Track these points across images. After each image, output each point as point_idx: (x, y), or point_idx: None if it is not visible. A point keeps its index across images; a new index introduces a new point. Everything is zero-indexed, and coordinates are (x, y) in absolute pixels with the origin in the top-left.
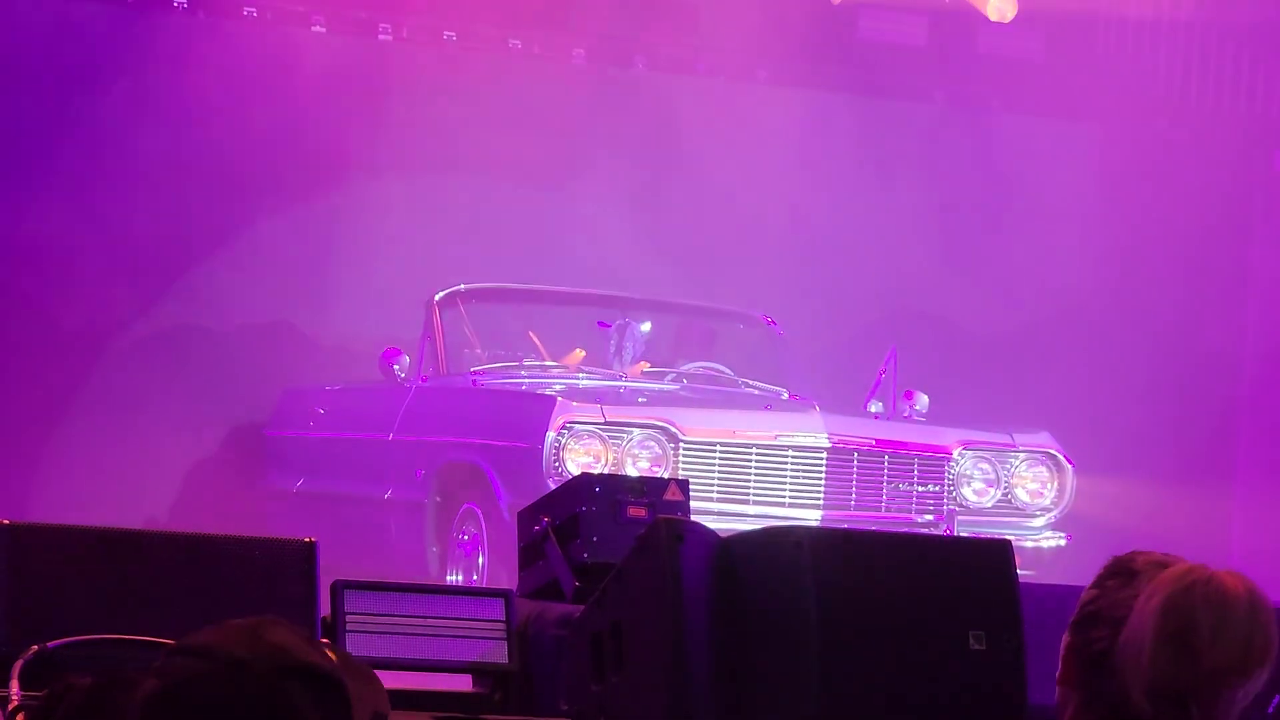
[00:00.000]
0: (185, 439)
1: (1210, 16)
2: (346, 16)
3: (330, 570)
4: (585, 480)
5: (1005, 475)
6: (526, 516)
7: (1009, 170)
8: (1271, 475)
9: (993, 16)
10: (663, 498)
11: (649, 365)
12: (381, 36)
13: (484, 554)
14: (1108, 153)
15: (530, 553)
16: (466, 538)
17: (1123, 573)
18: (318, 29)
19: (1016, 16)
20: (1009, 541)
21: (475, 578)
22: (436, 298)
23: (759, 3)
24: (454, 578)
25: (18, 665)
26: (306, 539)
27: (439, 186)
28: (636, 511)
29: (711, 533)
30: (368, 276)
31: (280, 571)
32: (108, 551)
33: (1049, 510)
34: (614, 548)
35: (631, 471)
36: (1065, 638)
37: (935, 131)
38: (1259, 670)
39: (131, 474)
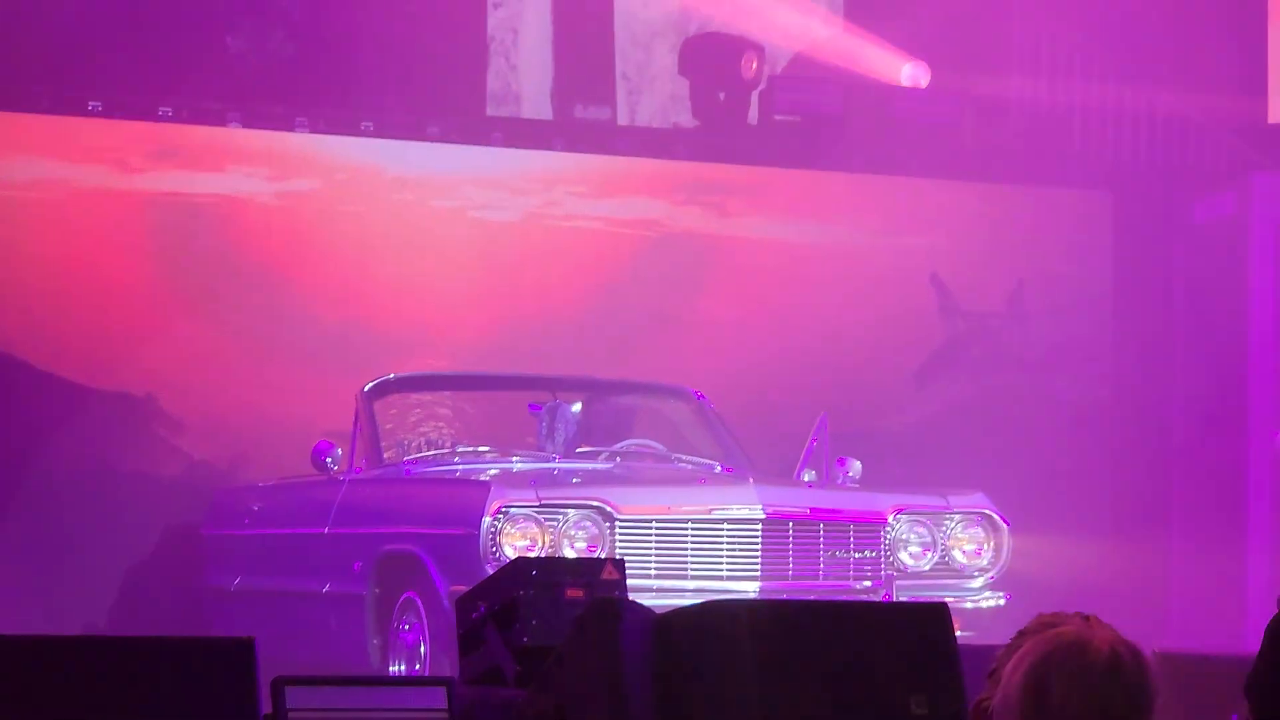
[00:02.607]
0: (120, 541)
1: (1122, 74)
2: (261, 112)
3: (273, 667)
4: (521, 564)
5: (941, 538)
6: (464, 603)
7: (930, 234)
8: (1206, 527)
9: (905, 83)
10: (599, 578)
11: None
12: (298, 130)
13: (426, 643)
14: (1028, 212)
15: (470, 639)
16: (408, 628)
17: (1021, 633)
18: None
19: (930, 82)
20: (945, 604)
21: (418, 667)
22: (366, 388)
23: (673, 76)
24: (397, 669)
25: None
26: (244, 637)
27: (365, 276)
28: (574, 593)
29: (649, 610)
30: (301, 371)
31: (219, 671)
32: (42, 661)
33: (986, 571)
34: (553, 630)
35: (569, 552)
36: None
37: (857, 196)
38: None
39: (65, 580)
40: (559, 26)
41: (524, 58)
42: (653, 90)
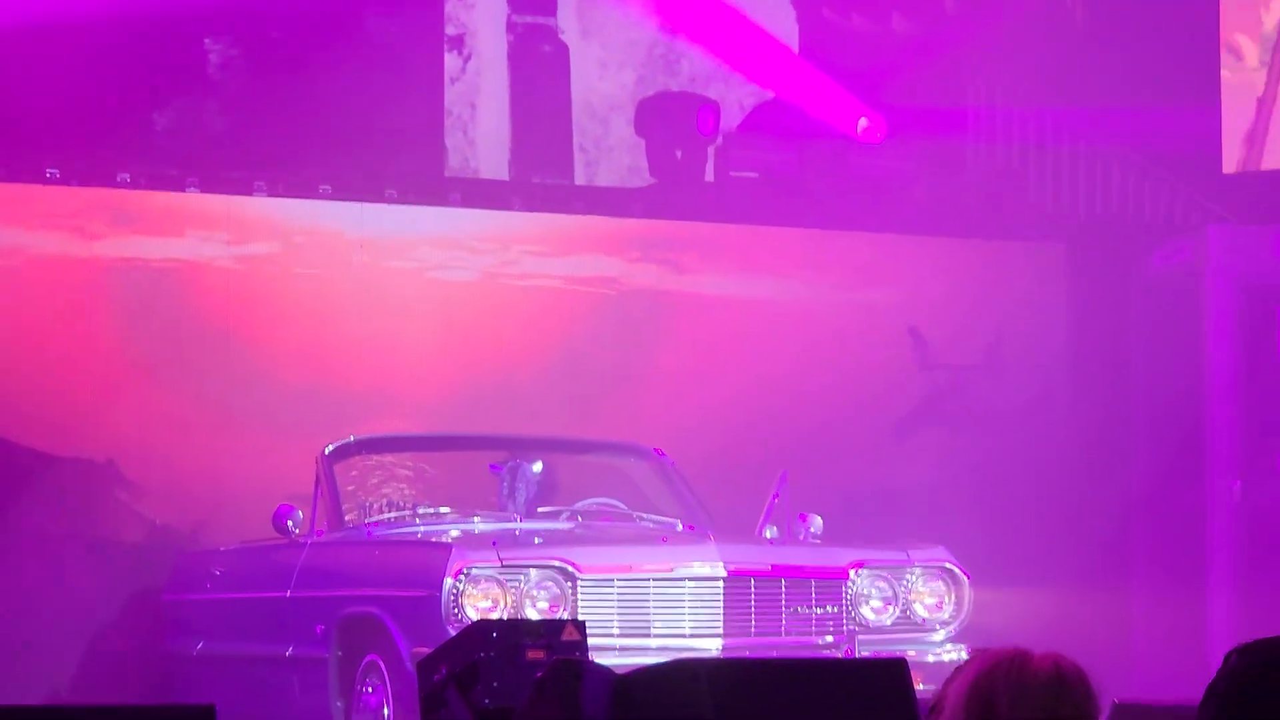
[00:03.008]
0: (83, 608)
1: (1077, 127)
2: (219, 176)
3: None
4: (483, 626)
5: (903, 592)
6: (426, 666)
7: (886, 288)
8: (1168, 577)
9: (861, 135)
10: (560, 639)
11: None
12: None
13: (389, 705)
14: (984, 266)
15: (432, 701)
16: (371, 690)
17: (958, 668)
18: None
19: (886, 138)
20: (904, 659)
21: None
22: (327, 451)
23: (630, 146)
24: None
25: None
26: (205, 705)
27: (325, 338)
28: (535, 654)
29: (609, 671)
30: (261, 434)
31: None
32: None
33: (948, 624)
34: (515, 691)
35: (531, 613)
36: None
37: (813, 252)
38: None
39: (29, 648)
40: (516, 99)
41: (481, 131)
42: (610, 160)
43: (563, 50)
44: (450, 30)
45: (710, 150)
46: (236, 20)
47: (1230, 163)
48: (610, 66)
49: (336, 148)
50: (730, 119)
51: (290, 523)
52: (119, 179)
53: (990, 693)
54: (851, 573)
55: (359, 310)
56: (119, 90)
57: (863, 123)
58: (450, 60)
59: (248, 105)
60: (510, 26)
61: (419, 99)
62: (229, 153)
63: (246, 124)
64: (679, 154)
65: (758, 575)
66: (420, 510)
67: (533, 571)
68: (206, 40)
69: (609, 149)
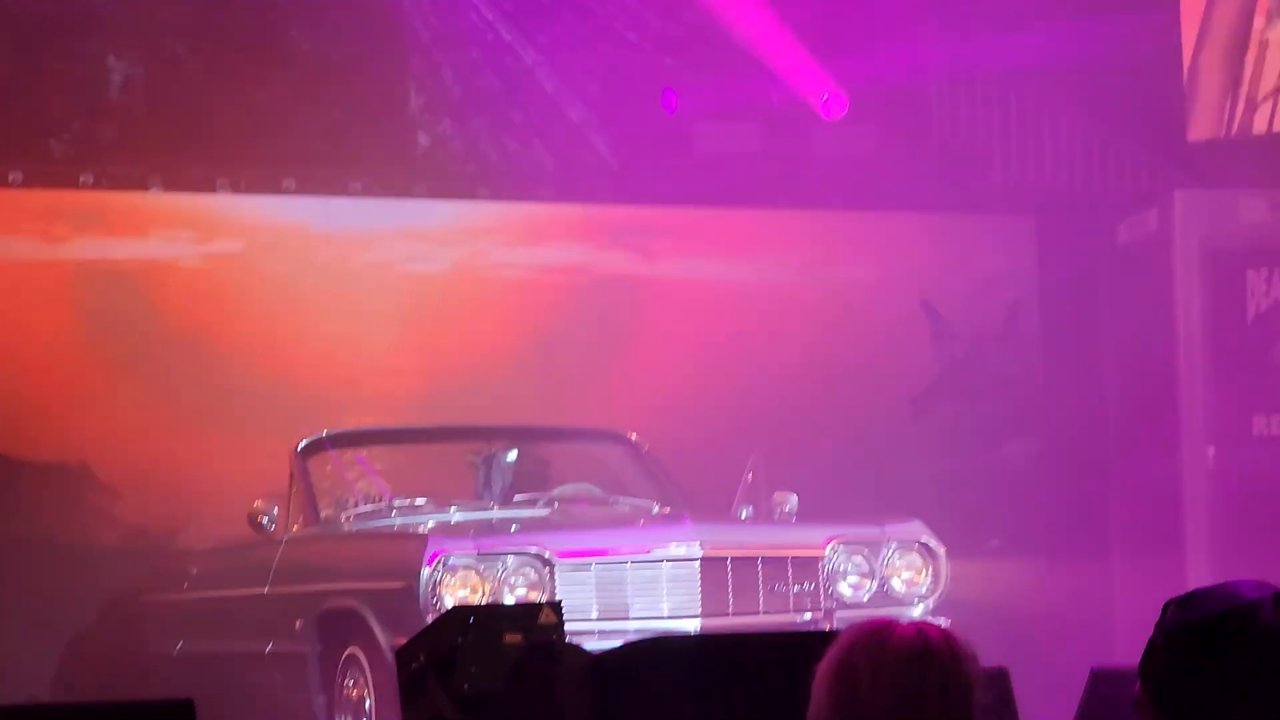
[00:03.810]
0: (60, 610)
1: (1041, 99)
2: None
3: None
4: (459, 612)
5: (879, 566)
6: (404, 654)
7: (855, 266)
8: (1145, 544)
9: (825, 114)
10: (536, 622)
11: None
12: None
13: (370, 698)
14: (951, 240)
15: (412, 690)
16: (352, 683)
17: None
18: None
19: (849, 113)
20: None
21: None
22: (300, 447)
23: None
24: None
25: None
26: (183, 699)
27: (295, 334)
28: (512, 639)
29: (585, 652)
30: (234, 432)
31: None
32: None
33: (926, 597)
34: (493, 677)
35: (509, 600)
36: None
37: (781, 232)
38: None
39: (6, 650)
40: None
41: (445, 121)
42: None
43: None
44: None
45: (675, 131)
46: (196, 15)
47: (1196, 130)
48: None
49: (298, 142)
50: (695, 99)
51: (265, 519)
52: (81, 180)
53: (852, 669)
54: (827, 549)
55: (328, 305)
56: (75, 88)
57: (826, 97)
58: (414, 52)
59: (208, 102)
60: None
61: (382, 91)
62: (191, 151)
63: (207, 121)
64: (644, 136)
65: (734, 554)
66: (395, 503)
67: (510, 559)
68: (169, 37)
69: (574, 133)
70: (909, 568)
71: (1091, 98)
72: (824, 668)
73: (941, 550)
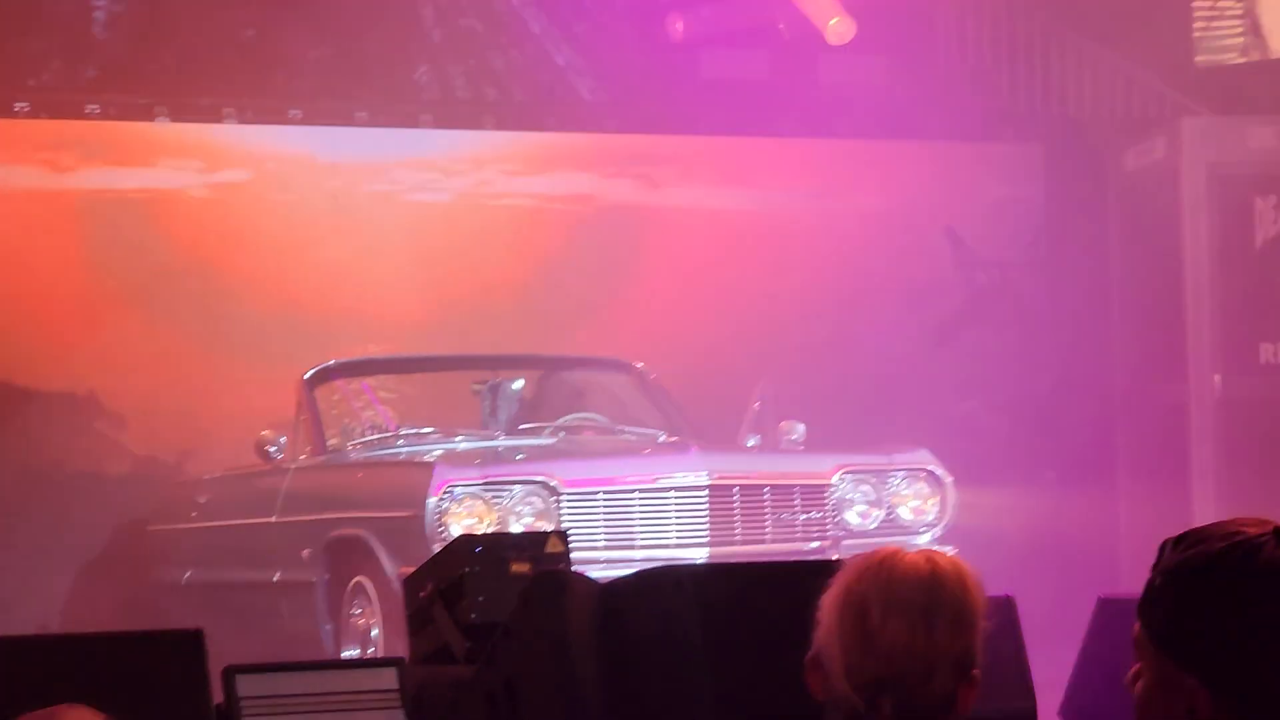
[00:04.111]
0: (68, 540)
1: (1049, 29)
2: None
3: (227, 659)
4: (466, 541)
5: (886, 496)
6: (411, 583)
7: (861, 194)
8: (1152, 472)
9: (831, 40)
10: (544, 551)
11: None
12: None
13: (378, 626)
14: (958, 168)
15: (418, 618)
16: (359, 612)
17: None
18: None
19: (856, 39)
20: None
21: (372, 651)
22: (306, 376)
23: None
24: (350, 653)
25: None
26: (192, 629)
27: (301, 263)
28: (519, 567)
29: (593, 581)
30: (241, 361)
31: (169, 663)
32: None
33: (933, 526)
34: (501, 605)
35: (516, 528)
36: None
37: (787, 160)
38: (953, 653)
39: (15, 580)
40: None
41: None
42: (579, 73)
43: None
44: None
45: (681, 58)
46: None
47: (1205, 55)
48: None
49: (305, 72)
50: (701, 24)
51: (273, 449)
52: (88, 110)
53: (861, 597)
54: (834, 477)
55: (334, 235)
56: (81, 18)
57: (834, 22)
58: None
59: (214, 31)
60: None
61: (390, 19)
62: (197, 80)
63: (213, 50)
64: (650, 63)
65: (741, 483)
66: (403, 432)
67: (516, 487)
68: None
69: (578, 62)
70: (916, 496)
71: (1099, 24)
72: (831, 596)
73: (948, 479)
